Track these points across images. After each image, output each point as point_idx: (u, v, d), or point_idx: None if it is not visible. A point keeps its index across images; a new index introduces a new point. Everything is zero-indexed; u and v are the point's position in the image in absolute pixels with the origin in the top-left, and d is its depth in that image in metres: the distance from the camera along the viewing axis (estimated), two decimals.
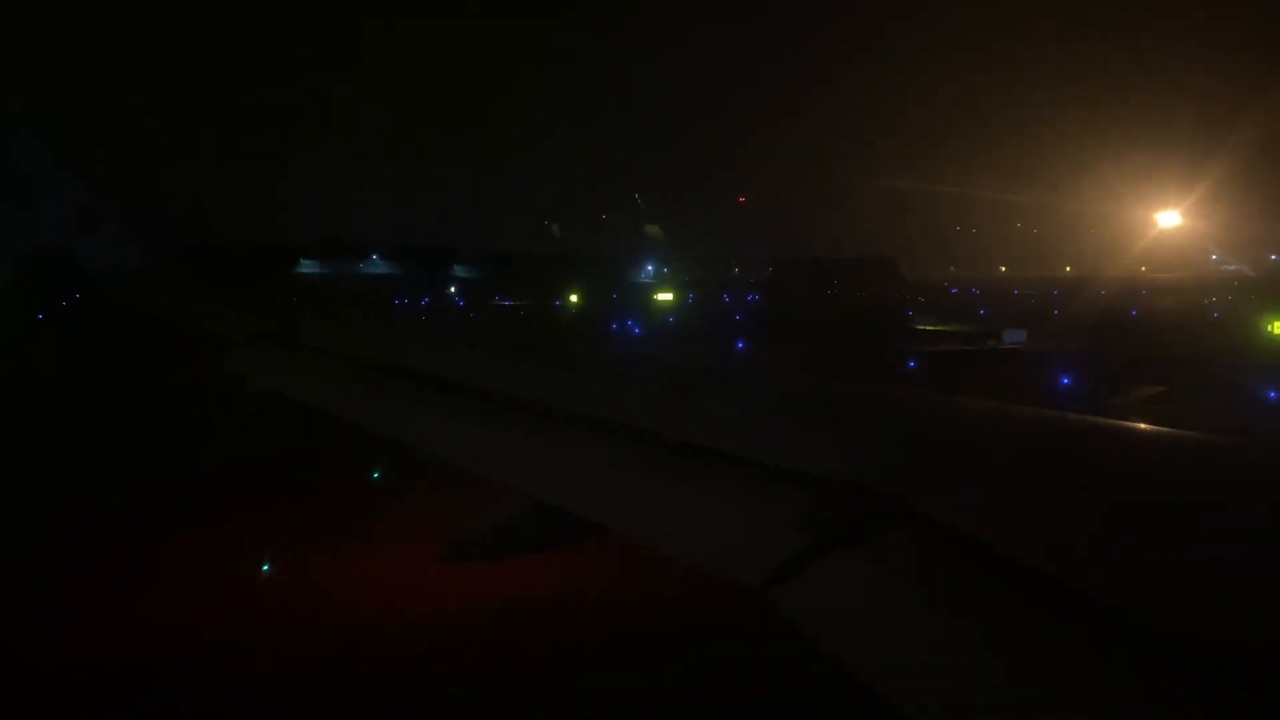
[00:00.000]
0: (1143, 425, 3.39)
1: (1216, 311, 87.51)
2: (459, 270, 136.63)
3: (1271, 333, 64.44)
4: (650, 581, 12.68)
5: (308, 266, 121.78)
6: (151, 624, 14.52)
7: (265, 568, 16.67)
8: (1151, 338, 58.90)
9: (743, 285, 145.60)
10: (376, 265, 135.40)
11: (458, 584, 14.47)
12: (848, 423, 3.82)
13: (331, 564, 16.96)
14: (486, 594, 14.47)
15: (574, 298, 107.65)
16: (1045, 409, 3.78)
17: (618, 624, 14.14)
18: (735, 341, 56.30)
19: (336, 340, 7.56)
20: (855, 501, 2.88)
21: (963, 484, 2.88)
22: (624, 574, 13.43)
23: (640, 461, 3.84)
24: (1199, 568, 2.16)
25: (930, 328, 73.61)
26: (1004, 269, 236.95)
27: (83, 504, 19.52)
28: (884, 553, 2.61)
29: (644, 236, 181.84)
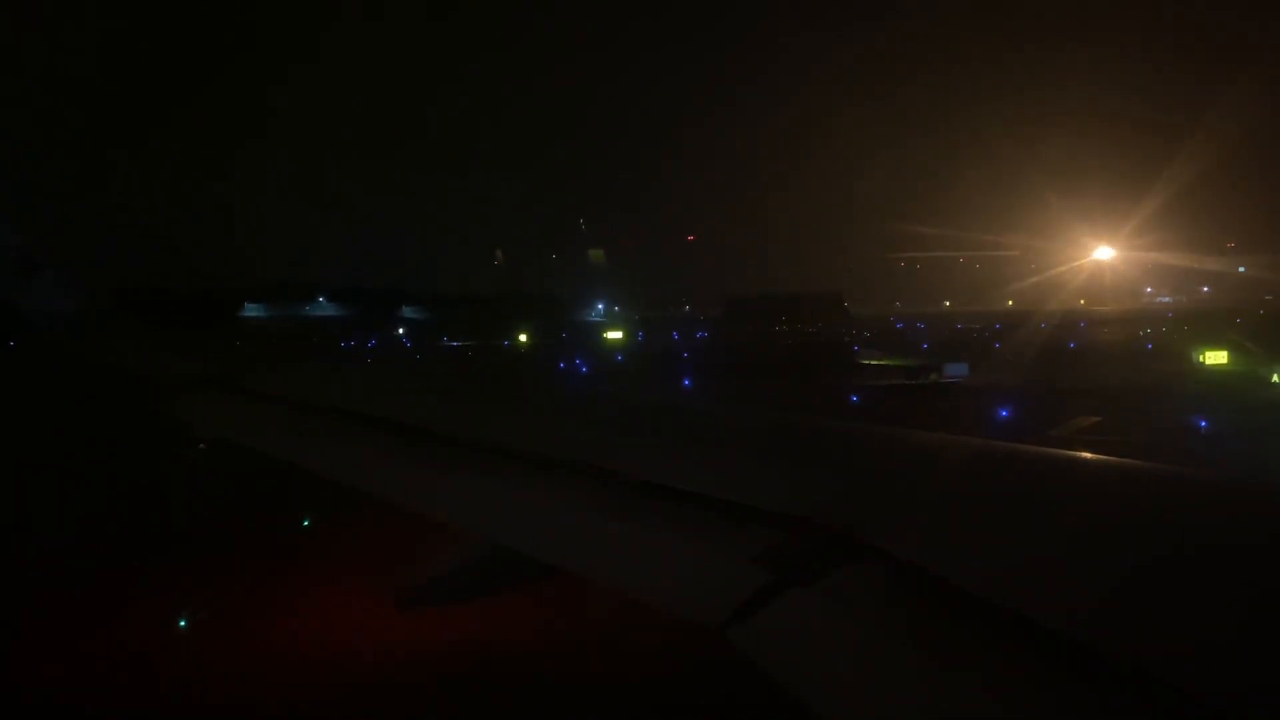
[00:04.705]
0: (1086, 455, 3.51)
1: (1150, 343, 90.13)
2: (407, 311, 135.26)
3: (1202, 362, 66.61)
4: (608, 623, 12.58)
5: (252, 310, 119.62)
6: (110, 676, 14.04)
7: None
8: (1089, 369, 60.55)
9: (692, 322, 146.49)
10: (323, 307, 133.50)
11: (414, 629, 14.22)
12: (799, 458, 3.86)
13: (285, 611, 16.55)
14: (443, 639, 14.23)
15: (523, 337, 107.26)
16: (989, 440, 3.87)
17: (577, 667, 13.97)
18: (684, 379, 56.59)
19: (284, 385, 7.46)
20: (809, 537, 2.90)
21: (914, 516, 2.91)
22: (582, 616, 13.31)
23: (595, 502, 3.81)
24: (1148, 593, 2.20)
25: (875, 362, 74.53)
26: (948, 304, 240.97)
27: (16, 559, 18.81)
28: (839, 588, 2.62)
29: (592, 272, 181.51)
